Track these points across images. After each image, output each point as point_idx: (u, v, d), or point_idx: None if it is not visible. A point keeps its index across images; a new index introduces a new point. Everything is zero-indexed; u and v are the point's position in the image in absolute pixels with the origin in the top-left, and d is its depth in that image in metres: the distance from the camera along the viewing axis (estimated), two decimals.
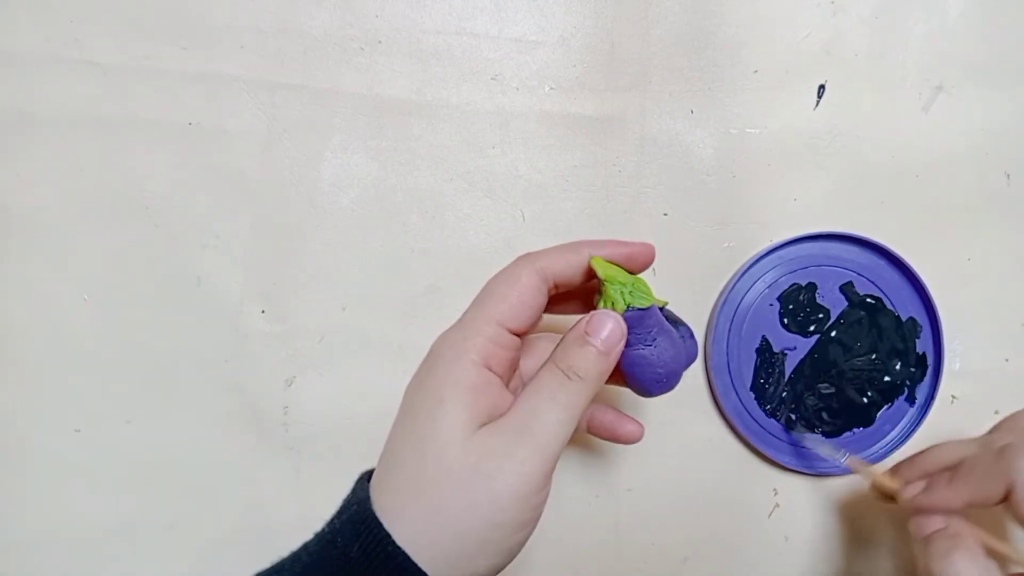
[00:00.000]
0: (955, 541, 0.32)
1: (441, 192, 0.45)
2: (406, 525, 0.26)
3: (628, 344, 0.31)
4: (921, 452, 0.38)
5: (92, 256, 0.44)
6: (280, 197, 0.45)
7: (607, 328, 0.30)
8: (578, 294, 0.35)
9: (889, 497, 0.39)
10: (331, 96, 0.45)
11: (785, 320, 0.45)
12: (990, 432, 0.37)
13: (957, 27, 0.46)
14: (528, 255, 0.31)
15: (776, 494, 0.45)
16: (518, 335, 0.31)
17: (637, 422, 0.36)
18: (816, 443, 0.43)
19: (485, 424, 0.28)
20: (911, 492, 0.36)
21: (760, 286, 0.45)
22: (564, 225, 0.45)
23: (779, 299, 0.45)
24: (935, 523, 0.34)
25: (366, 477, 0.29)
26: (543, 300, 0.31)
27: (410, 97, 0.45)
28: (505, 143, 0.45)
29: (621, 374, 0.32)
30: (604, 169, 0.45)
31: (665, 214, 0.46)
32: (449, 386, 0.28)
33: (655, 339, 0.31)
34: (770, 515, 0.45)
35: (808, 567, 0.46)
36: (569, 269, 0.31)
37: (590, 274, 0.32)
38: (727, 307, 0.45)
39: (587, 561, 0.45)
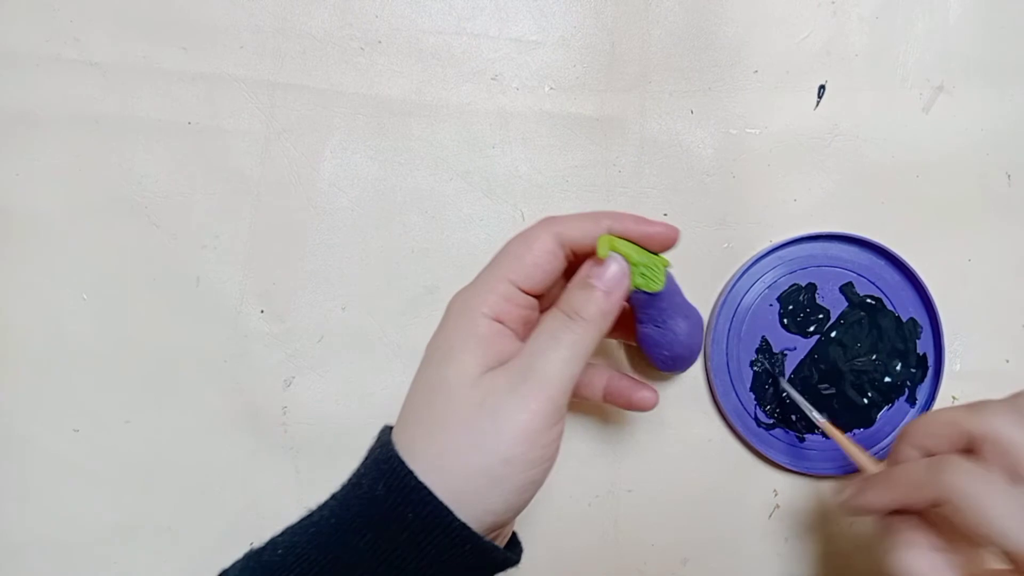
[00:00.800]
0: (905, 533, 0.31)
1: (441, 192, 0.45)
2: (425, 464, 0.27)
3: (639, 320, 0.31)
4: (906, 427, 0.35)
5: (91, 256, 0.44)
6: (280, 197, 0.45)
7: (609, 269, 0.30)
8: None
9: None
10: (331, 96, 0.45)
11: (785, 320, 0.45)
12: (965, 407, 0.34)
13: (957, 27, 0.46)
14: (549, 219, 0.32)
15: (776, 494, 0.45)
16: (534, 296, 0.31)
17: (652, 388, 0.37)
18: (798, 398, 0.43)
19: (492, 368, 0.29)
20: (845, 494, 0.35)
21: (760, 286, 0.45)
22: None
23: (779, 299, 0.45)
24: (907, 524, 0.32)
25: (387, 427, 0.30)
26: (559, 265, 0.31)
27: (410, 97, 0.45)
28: (505, 143, 0.45)
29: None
30: (604, 169, 0.45)
31: (665, 214, 0.46)
32: (459, 336, 0.29)
33: (664, 321, 0.32)
34: (770, 515, 0.45)
35: (808, 567, 0.46)
36: (586, 239, 0.31)
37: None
38: (727, 307, 0.45)
39: (587, 561, 0.45)
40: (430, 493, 0.26)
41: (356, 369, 0.45)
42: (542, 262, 0.31)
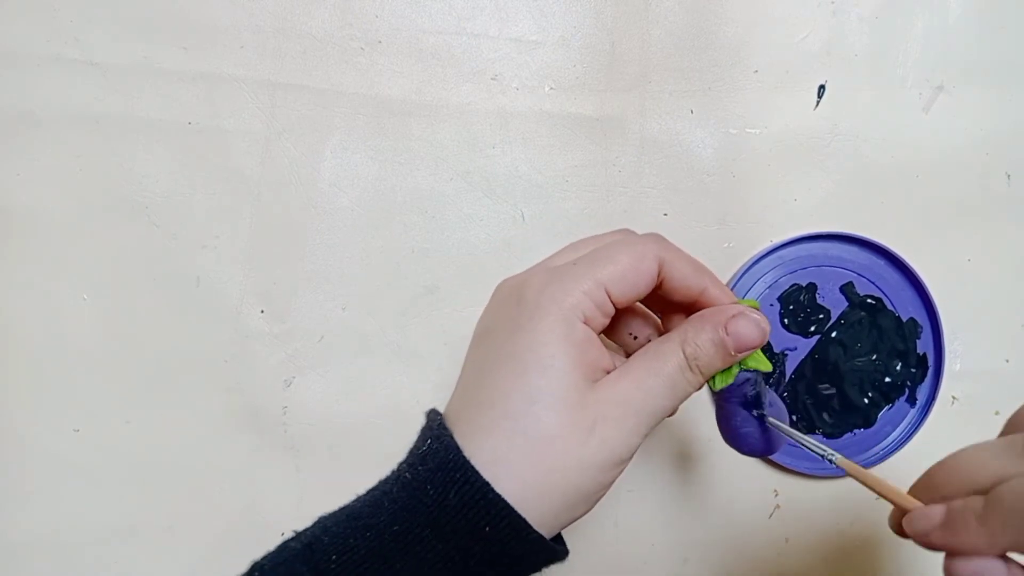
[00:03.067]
0: None
1: (441, 192, 0.45)
2: (512, 477, 0.26)
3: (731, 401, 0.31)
4: (941, 462, 0.28)
5: (92, 256, 0.44)
6: (280, 197, 0.45)
7: (750, 337, 0.29)
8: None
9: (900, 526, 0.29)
10: (331, 96, 0.45)
11: (785, 320, 0.45)
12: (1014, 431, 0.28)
13: (957, 27, 0.46)
14: (657, 237, 0.30)
15: (776, 495, 0.45)
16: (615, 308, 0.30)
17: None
18: (804, 441, 0.42)
19: (591, 381, 0.28)
20: (924, 525, 0.26)
21: (760, 286, 0.45)
22: (564, 225, 0.45)
23: (779, 299, 0.45)
24: (989, 573, 0.25)
25: (441, 421, 0.28)
26: (649, 287, 0.30)
27: (410, 97, 0.45)
28: (505, 143, 0.45)
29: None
30: (604, 169, 0.45)
31: (665, 214, 0.46)
32: (557, 340, 0.27)
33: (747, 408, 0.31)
34: (770, 516, 0.45)
35: (808, 568, 0.46)
36: (684, 286, 0.30)
37: (694, 308, 0.30)
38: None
39: (587, 561, 0.45)
40: (509, 507, 0.25)
41: (356, 369, 0.45)
42: (643, 284, 0.29)
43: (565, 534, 0.30)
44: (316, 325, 0.45)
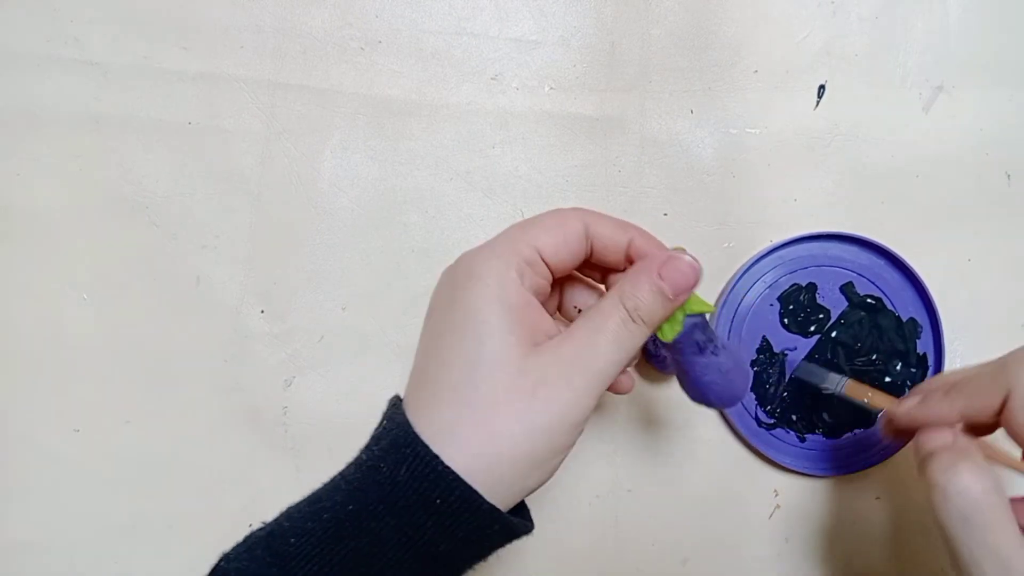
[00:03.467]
0: (960, 454, 0.30)
1: (441, 192, 0.45)
2: (459, 447, 0.26)
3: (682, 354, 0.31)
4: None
5: (92, 256, 0.44)
6: (280, 197, 0.45)
7: (684, 278, 0.29)
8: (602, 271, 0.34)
9: (900, 433, 0.36)
10: (331, 96, 0.45)
11: (785, 320, 0.45)
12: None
13: (957, 27, 0.46)
14: (578, 208, 0.31)
15: (776, 495, 0.45)
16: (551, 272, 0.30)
17: (628, 374, 0.35)
18: (814, 370, 0.43)
19: (533, 345, 0.28)
20: (907, 404, 0.34)
21: (760, 286, 0.45)
22: None
23: (779, 299, 0.45)
24: (940, 439, 0.32)
25: (396, 402, 0.29)
26: (582, 254, 0.30)
27: (410, 97, 0.45)
28: (505, 143, 0.45)
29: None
30: (604, 169, 0.45)
31: (665, 214, 0.46)
32: (492, 305, 0.27)
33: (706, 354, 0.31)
34: (770, 515, 0.45)
35: (808, 568, 0.46)
36: (612, 241, 0.30)
37: (628, 262, 0.31)
38: (727, 307, 0.45)
39: (587, 561, 0.45)
40: (458, 478, 0.25)
41: (356, 369, 0.45)
42: (572, 242, 0.29)
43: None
44: (316, 325, 0.45)
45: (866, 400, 0.39)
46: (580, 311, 0.33)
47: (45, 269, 0.44)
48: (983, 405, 0.31)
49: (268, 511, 0.47)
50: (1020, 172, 0.46)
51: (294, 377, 0.45)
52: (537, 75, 0.45)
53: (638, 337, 0.29)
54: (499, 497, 0.26)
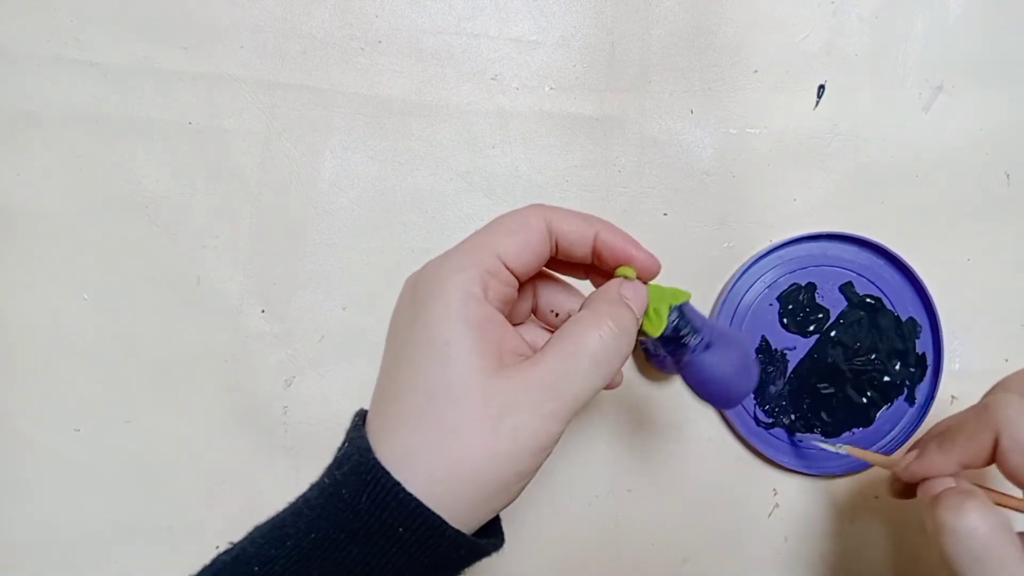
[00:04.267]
0: (966, 495, 0.30)
1: (441, 192, 0.45)
2: (421, 473, 0.25)
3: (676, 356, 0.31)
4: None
5: (91, 256, 0.44)
6: (280, 197, 0.45)
7: (639, 292, 0.29)
8: (578, 267, 0.33)
9: (906, 491, 0.36)
10: (331, 96, 0.45)
11: (785, 320, 0.45)
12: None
13: (957, 27, 0.46)
14: (540, 204, 0.30)
15: (776, 494, 0.45)
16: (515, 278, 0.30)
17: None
18: (816, 441, 0.43)
19: (497, 367, 0.27)
20: (904, 462, 0.34)
21: (760, 286, 0.45)
22: None
23: (779, 299, 0.45)
24: (944, 483, 0.32)
25: (358, 423, 0.28)
26: (546, 253, 0.30)
27: (410, 97, 0.45)
28: (505, 143, 0.45)
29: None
30: (604, 169, 0.45)
31: (665, 214, 0.46)
32: (453, 324, 0.26)
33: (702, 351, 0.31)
34: (770, 515, 0.45)
35: (808, 567, 0.46)
36: (575, 236, 0.30)
37: (596, 255, 0.31)
38: (727, 307, 0.45)
39: (587, 561, 0.45)
40: (421, 505, 0.25)
41: (356, 369, 0.45)
42: (534, 242, 0.29)
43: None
44: (316, 325, 0.45)
45: (865, 457, 0.40)
46: (556, 315, 0.33)
47: (45, 269, 0.44)
48: (976, 451, 0.31)
49: (268, 511, 0.47)
50: (1020, 172, 0.46)
51: (294, 377, 0.45)
52: (537, 75, 0.45)
53: (616, 355, 0.28)
54: (463, 520, 0.26)
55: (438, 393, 0.26)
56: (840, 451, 0.41)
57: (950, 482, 0.32)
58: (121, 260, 0.44)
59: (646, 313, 0.30)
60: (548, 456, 0.27)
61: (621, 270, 0.30)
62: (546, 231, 0.29)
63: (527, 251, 0.29)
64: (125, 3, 0.44)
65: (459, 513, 0.26)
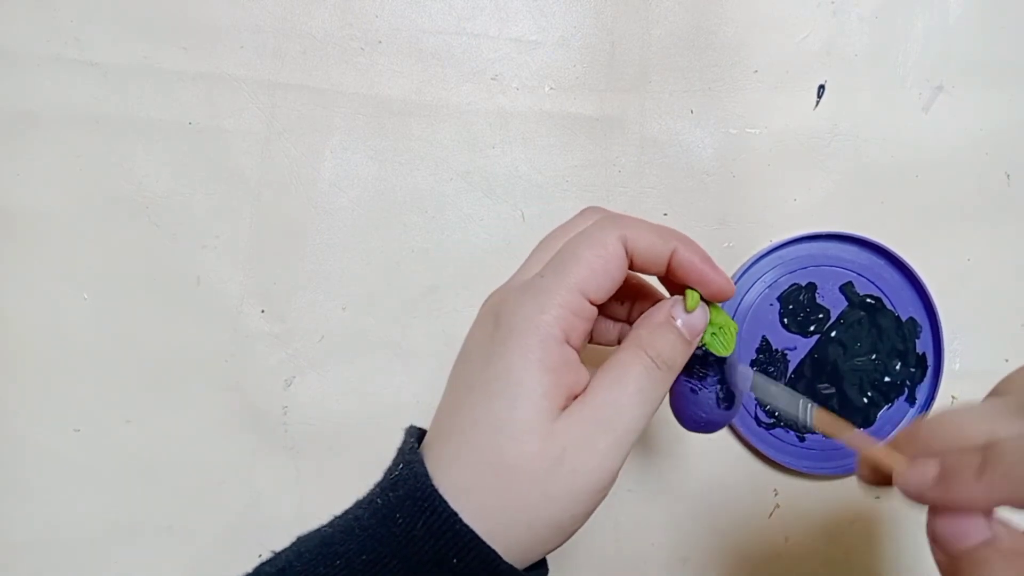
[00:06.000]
0: (1014, 559, 0.23)
1: (441, 192, 0.45)
2: (478, 508, 0.25)
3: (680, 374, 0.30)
4: (927, 420, 0.27)
5: (92, 256, 0.44)
6: (280, 197, 0.45)
7: (697, 320, 0.29)
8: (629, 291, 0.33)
9: (880, 480, 0.28)
10: (331, 96, 0.45)
11: (785, 320, 0.45)
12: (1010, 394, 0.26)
13: (957, 27, 0.46)
14: (613, 218, 0.29)
15: (776, 494, 0.45)
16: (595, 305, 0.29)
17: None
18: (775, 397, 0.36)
19: (563, 407, 0.27)
20: (917, 479, 0.25)
21: (760, 286, 0.45)
22: None
23: (779, 299, 0.45)
24: (975, 530, 0.24)
25: (414, 445, 0.28)
26: (623, 277, 0.28)
27: (410, 97, 0.45)
28: (505, 143, 0.45)
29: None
30: (604, 169, 0.45)
31: (665, 214, 0.46)
32: (529, 367, 0.26)
33: (710, 384, 0.30)
34: (770, 515, 0.45)
35: (808, 567, 0.46)
36: (651, 252, 0.28)
37: (669, 271, 0.29)
38: (727, 307, 0.45)
39: (587, 561, 0.45)
40: (477, 538, 0.25)
41: (356, 369, 0.45)
42: (612, 269, 0.28)
43: None
44: (316, 325, 0.45)
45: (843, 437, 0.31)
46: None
47: (45, 269, 0.44)
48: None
49: (268, 511, 0.47)
50: (1020, 172, 0.46)
51: (294, 377, 0.45)
52: (537, 75, 0.45)
53: (662, 385, 0.28)
54: (516, 557, 0.26)
55: (502, 431, 0.26)
56: (807, 420, 0.32)
57: (984, 529, 0.24)
58: (121, 260, 0.44)
59: (712, 333, 0.29)
60: (604, 498, 0.27)
61: (690, 292, 0.29)
62: (624, 256, 0.28)
63: (608, 281, 0.28)
64: (125, 3, 0.44)
65: (511, 549, 0.26)
